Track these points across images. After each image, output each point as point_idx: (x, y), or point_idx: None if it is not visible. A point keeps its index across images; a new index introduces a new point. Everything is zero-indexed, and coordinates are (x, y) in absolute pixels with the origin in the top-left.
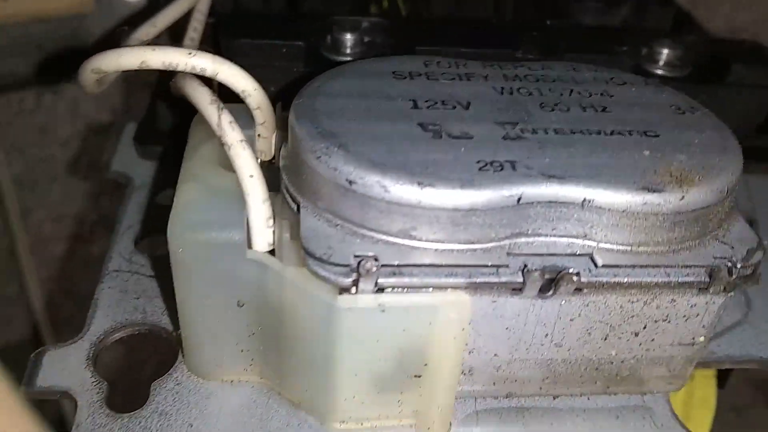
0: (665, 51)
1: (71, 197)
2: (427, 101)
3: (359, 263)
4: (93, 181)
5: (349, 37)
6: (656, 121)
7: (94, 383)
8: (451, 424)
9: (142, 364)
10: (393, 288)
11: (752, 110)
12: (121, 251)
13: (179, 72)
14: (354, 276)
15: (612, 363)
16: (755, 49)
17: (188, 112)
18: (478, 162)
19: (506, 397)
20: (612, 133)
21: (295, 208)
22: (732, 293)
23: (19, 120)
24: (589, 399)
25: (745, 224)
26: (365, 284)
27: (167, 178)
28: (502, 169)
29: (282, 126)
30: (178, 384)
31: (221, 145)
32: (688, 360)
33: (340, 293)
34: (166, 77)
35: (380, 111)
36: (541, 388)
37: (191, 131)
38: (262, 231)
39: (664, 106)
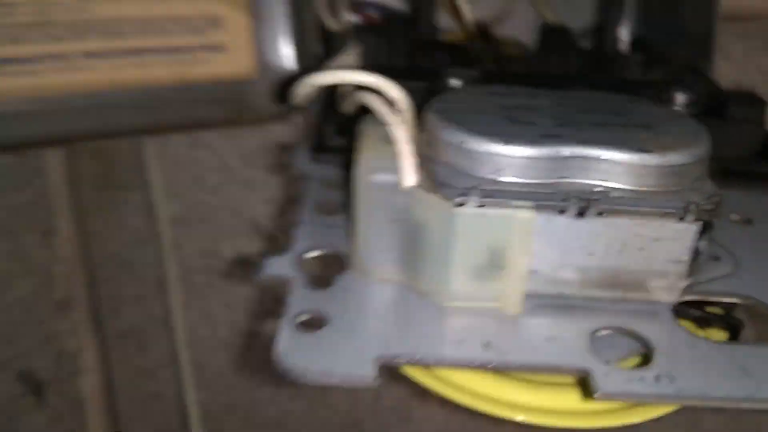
0: (681, 95)
1: (214, 237)
2: (509, 106)
3: (468, 188)
4: (232, 226)
5: (454, 81)
6: (655, 120)
7: (300, 275)
8: (522, 309)
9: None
10: (487, 205)
11: (747, 141)
12: (307, 211)
13: (356, 87)
14: (465, 196)
15: (626, 272)
16: (751, 96)
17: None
18: (541, 135)
19: (558, 295)
20: (623, 125)
21: (429, 163)
22: (700, 223)
23: (178, 169)
24: (613, 303)
25: (712, 183)
26: (471, 201)
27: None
28: (554, 138)
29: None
30: (351, 278)
31: (384, 127)
32: (678, 274)
33: (456, 207)
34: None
35: (480, 109)
36: (580, 289)
37: (359, 127)
38: (409, 174)
39: (665, 114)
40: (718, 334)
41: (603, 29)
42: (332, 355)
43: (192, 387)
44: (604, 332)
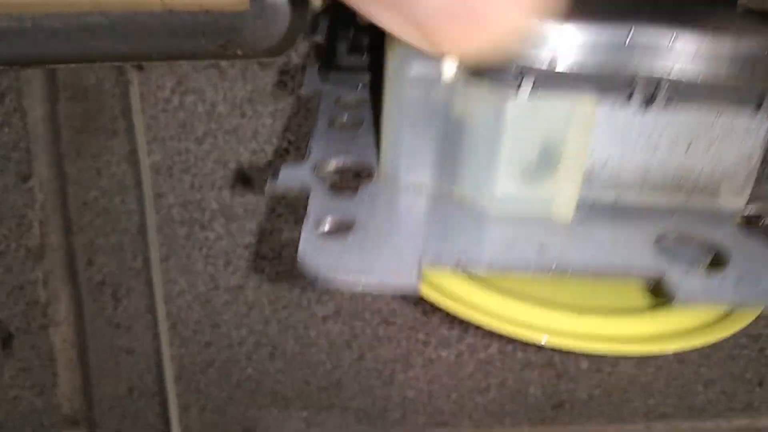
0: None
1: (197, 187)
2: None
3: (521, 72)
4: (217, 175)
5: None
6: (726, 14)
7: (320, 181)
8: (574, 217)
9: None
10: (541, 94)
11: None
12: (322, 125)
13: None
14: (518, 82)
15: (692, 172)
16: None
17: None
18: (603, 15)
19: (614, 202)
20: (692, 12)
21: None
22: None
23: (163, 115)
24: (676, 210)
25: None
26: (525, 87)
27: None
28: (618, 19)
29: None
30: (378, 186)
31: None
32: (747, 176)
33: (508, 94)
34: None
35: None
36: (640, 193)
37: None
38: (452, 62)
39: (735, 11)
40: None
41: None
42: (366, 258)
43: (167, 342)
44: (668, 238)
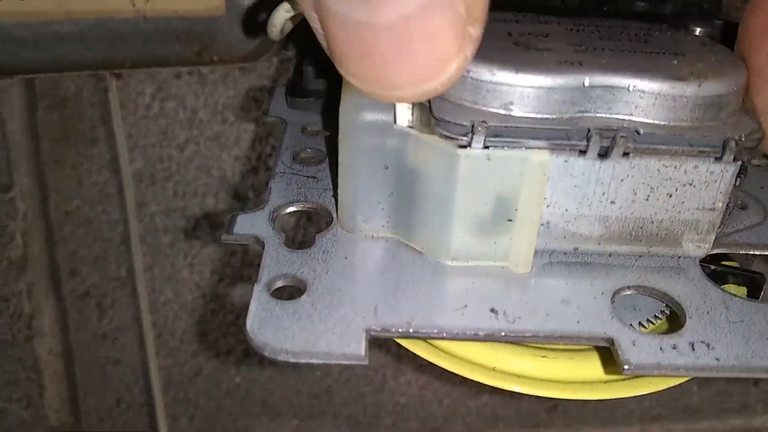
0: (699, 29)
1: (181, 194)
2: (518, 33)
3: (473, 125)
4: (200, 181)
5: None
6: (685, 47)
7: (276, 233)
8: (532, 268)
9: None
10: (496, 146)
11: None
12: (285, 161)
13: None
14: (469, 135)
15: (653, 223)
16: None
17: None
18: (558, 62)
19: (573, 252)
20: (650, 52)
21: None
22: (739, 163)
23: (143, 122)
24: (636, 260)
25: (750, 118)
26: (477, 141)
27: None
28: (573, 65)
29: None
30: (334, 236)
31: None
32: (710, 224)
33: (459, 147)
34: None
35: (486, 35)
36: (599, 244)
37: None
38: (404, 111)
39: (693, 41)
40: (737, 290)
41: None
42: (314, 328)
43: (154, 353)
44: (626, 293)
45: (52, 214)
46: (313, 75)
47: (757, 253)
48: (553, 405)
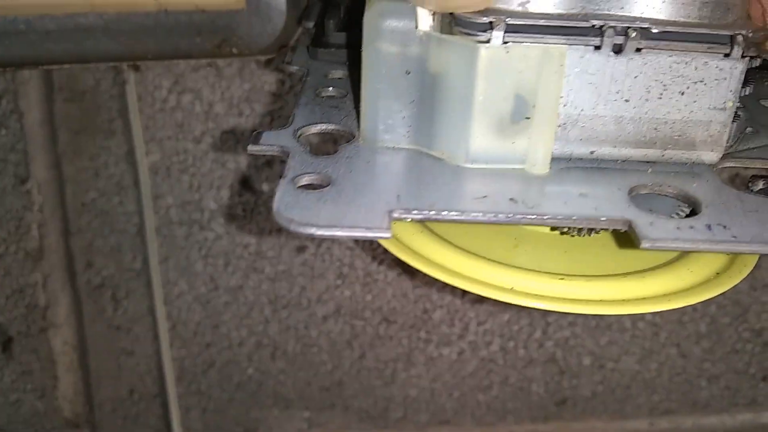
0: None
1: (196, 187)
2: None
3: (491, 22)
4: (215, 174)
5: None
6: None
7: (301, 145)
8: (550, 171)
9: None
10: (514, 41)
11: None
12: (308, 95)
13: None
14: (488, 32)
15: (666, 123)
16: None
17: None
18: None
19: (589, 156)
20: None
21: None
22: (747, 60)
23: (160, 115)
24: (651, 166)
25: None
26: (496, 36)
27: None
28: None
29: None
30: (356, 147)
31: None
32: (722, 125)
33: (479, 44)
34: None
35: None
36: (615, 147)
37: None
38: (425, 16)
39: None
40: None
41: None
42: (338, 210)
43: (168, 344)
44: (642, 191)
45: (68, 205)
46: (334, 28)
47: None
48: (562, 398)
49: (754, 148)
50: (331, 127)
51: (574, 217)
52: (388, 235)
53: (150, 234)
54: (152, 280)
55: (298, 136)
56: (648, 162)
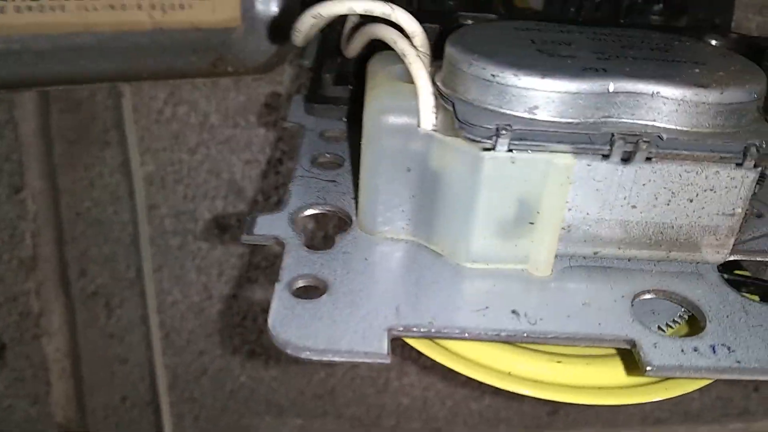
0: (714, 41)
1: (190, 197)
2: (541, 41)
3: (497, 128)
4: (210, 185)
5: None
6: (705, 57)
7: (296, 234)
8: (552, 272)
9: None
10: (520, 149)
11: None
12: (304, 165)
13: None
14: (494, 138)
15: (673, 228)
16: None
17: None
18: (582, 68)
19: (593, 256)
20: (672, 60)
21: (450, 103)
22: (759, 169)
23: (156, 127)
24: (655, 265)
25: None
26: (501, 144)
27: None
28: (597, 71)
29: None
30: (354, 237)
31: (396, 66)
32: (729, 230)
33: (484, 150)
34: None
35: (509, 42)
36: (619, 249)
37: (369, 66)
38: (429, 115)
39: (713, 51)
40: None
41: None
42: (336, 327)
43: (161, 352)
44: (645, 297)
45: (63, 214)
46: (332, 82)
47: None
48: (554, 408)
49: (758, 237)
50: (327, 209)
51: (578, 337)
52: (387, 361)
53: (144, 243)
54: (146, 289)
55: (294, 221)
56: (652, 260)
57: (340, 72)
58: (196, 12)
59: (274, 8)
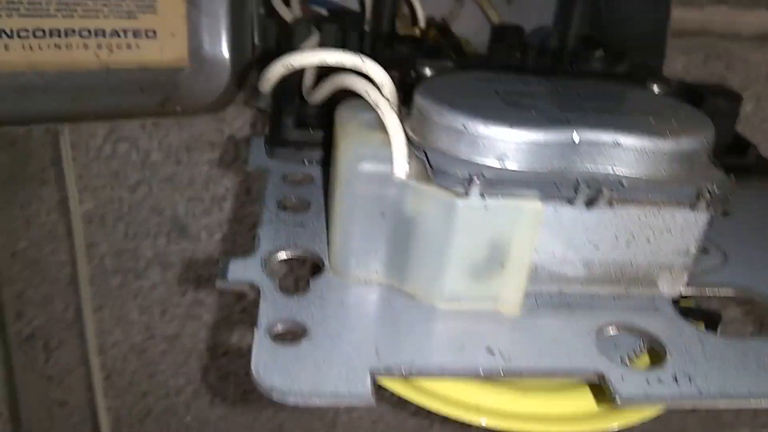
0: (656, 88)
1: (131, 235)
2: (504, 92)
3: (470, 176)
4: (152, 222)
5: (428, 71)
6: (656, 106)
7: (270, 279)
8: (521, 310)
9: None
10: (492, 195)
11: (720, 134)
12: (270, 209)
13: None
14: (466, 186)
15: (632, 266)
16: (726, 89)
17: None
18: (548, 119)
19: (558, 293)
20: (628, 111)
21: (422, 152)
22: (712, 213)
23: (95, 164)
24: (615, 300)
25: (721, 170)
26: (474, 191)
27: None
28: (561, 122)
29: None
30: (328, 281)
31: (364, 113)
32: (684, 267)
33: (458, 198)
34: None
35: (475, 93)
36: (582, 285)
37: (338, 114)
38: (403, 163)
39: (663, 101)
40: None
41: (563, 26)
42: (319, 371)
43: (102, 394)
44: (610, 331)
45: None
46: (292, 125)
47: (723, 292)
48: None
49: (707, 271)
50: (299, 252)
51: (551, 372)
52: (372, 403)
53: (83, 283)
54: (86, 330)
55: (267, 266)
56: (612, 295)
57: (300, 115)
58: (143, 52)
59: (222, 48)
